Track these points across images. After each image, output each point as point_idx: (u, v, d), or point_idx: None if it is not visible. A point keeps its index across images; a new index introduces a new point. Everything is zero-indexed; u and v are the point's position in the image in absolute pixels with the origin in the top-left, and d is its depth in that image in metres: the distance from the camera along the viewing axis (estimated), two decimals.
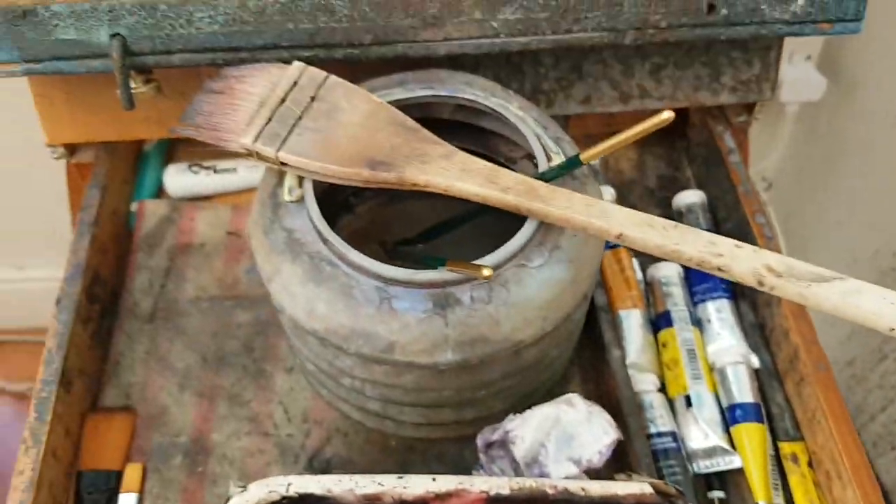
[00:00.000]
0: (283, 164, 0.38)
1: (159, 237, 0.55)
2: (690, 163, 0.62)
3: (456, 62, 0.47)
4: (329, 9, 0.42)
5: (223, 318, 0.52)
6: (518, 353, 0.39)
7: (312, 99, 0.38)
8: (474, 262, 0.35)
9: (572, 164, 0.38)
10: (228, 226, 0.57)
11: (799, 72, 1.00)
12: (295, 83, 0.38)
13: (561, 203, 0.36)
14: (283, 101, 0.38)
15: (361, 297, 0.37)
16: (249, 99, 0.38)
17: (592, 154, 0.37)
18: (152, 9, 0.41)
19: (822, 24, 0.47)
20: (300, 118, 0.38)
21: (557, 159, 0.41)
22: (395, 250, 0.49)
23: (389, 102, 0.41)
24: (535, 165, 0.41)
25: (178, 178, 0.57)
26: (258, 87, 0.38)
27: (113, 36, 0.42)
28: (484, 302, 0.37)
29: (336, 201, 0.49)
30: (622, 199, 0.60)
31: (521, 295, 0.38)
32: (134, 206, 0.57)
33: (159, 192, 0.58)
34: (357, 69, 0.45)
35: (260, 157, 0.37)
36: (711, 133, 0.58)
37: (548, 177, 0.39)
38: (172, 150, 0.60)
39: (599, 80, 0.52)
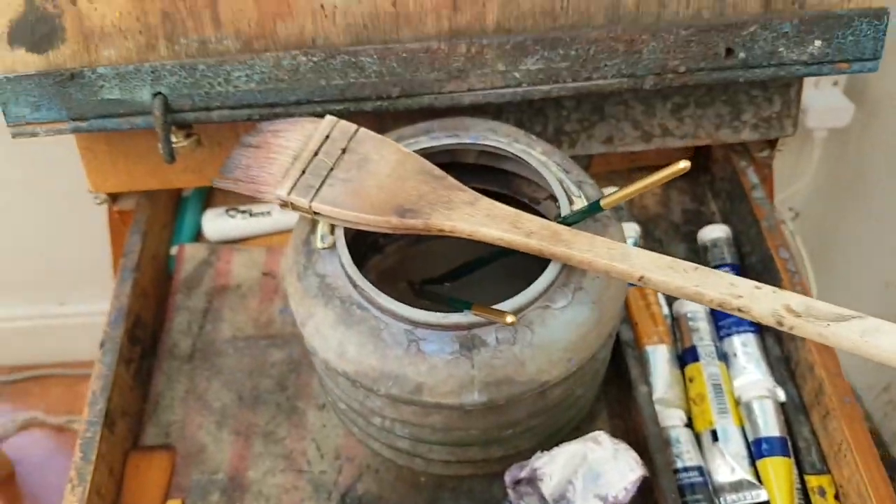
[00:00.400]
0: (316, 213, 0.39)
1: (198, 279, 0.57)
2: (715, 197, 0.63)
3: (480, 109, 0.48)
4: (359, 66, 0.44)
5: (258, 356, 0.54)
6: (543, 393, 0.40)
7: (343, 151, 0.40)
8: (498, 308, 0.36)
9: (593, 209, 0.39)
10: (263, 267, 0.59)
11: (826, 98, 1.00)
12: (327, 136, 0.40)
13: (583, 247, 0.37)
14: (315, 153, 0.40)
15: (390, 339, 0.39)
16: (284, 152, 0.40)
17: (612, 200, 0.38)
18: (192, 69, 0.44)
19: (839, 63, 0.48)
20: (332, 169, 0.39)
21: (579, 202, 0.43)
22: (422, 289, 0.50)
23: (416, 150, 0.43)
24: (558, 207, 0.42)
25: (216, 223, 0.59)
26: (293, 140, 0.40)
27: (155, 95, 0.44)
28: (509, 343, 0.38)
29: (366, 242, 0.51)
30: (647, 234, 0.61)
31: (546, 336, 0.39)
32: (174, 250, 0.59)
33: (198, 235, 0.61)
34: (385, 119, 0.47)
35: (295, 207, 0.39)
36: (735, 168, 0.58)
37: (570, 221, 0.40)
38: (210, 195, 0.62)
39: (621, 121, 0.54)
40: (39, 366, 1.33)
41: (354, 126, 0.41)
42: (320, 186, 0.39)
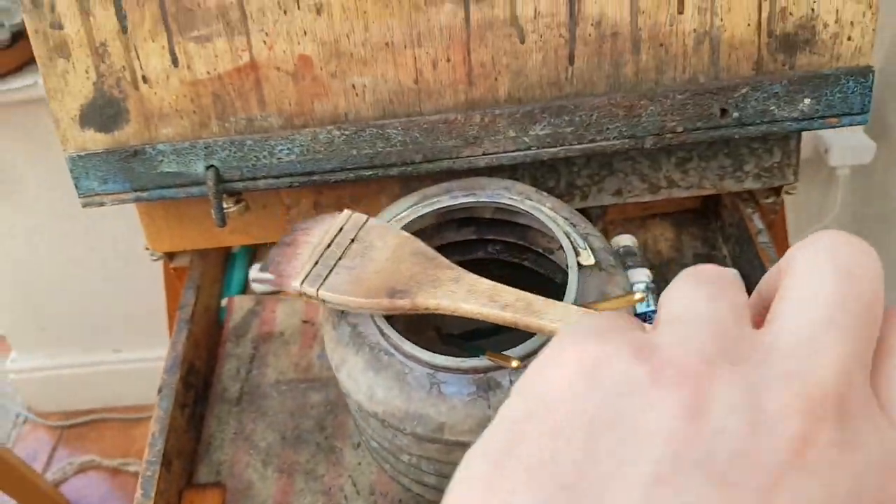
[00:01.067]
0: (322, 300, 0.44)
1: (245, 328, 0.63)
2: (725, 242, 0.66)
3: (495, 170, 0.53)
4: (386, 136, 0.49)
5: (299, 399, 0.59)
6: None
7: (352, 240, 0.44)
8: (507, 354, 0.40)
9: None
10: (303, 315, 0.64)
11: (847, 137, 1.03)
12: (341, 228, 0.45)
13: (555, 316, 0.38)
14: (329, 245, 0.44)
15: (414, 382, 0.43)
16: (307, 247, 0.45)
17: (604, 306, 0.42)
18: (241, 144, 0.50)
19: (829, 119, 0.51)
20: (340, 259, 0.44)
21: (585, 254, 0.47)
22: (447, 337, 0.54)
23: (437, 209, 0.48)
24: (577, 254, 0.46)
25: (262, 276, 0.65)
26: (314, 236, 0.45)
27: (208, 168, 0.50)
28: None
29: None
30: (661, 278, 0.64)
31: None
32: (224, 302, 0.65)
33: (245, 288, 0.66)
34: (410, 181, 0.52)
35: (306, 296, 0.44)
36: (741, 215, 0.62)
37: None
38: (256, 251, 0.68)
39: (629, 175, 0.58)
40: (95, 410, 1.39)
41: (365, 216, 0.45)
42: (327, 275, 0.43)
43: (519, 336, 0.42)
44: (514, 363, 0.38)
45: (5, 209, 1.08)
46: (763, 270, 0.58)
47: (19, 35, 0.89)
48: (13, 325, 1.27)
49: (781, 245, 0.73)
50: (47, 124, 0.58)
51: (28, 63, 0.91)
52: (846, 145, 1.03)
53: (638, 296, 0.39)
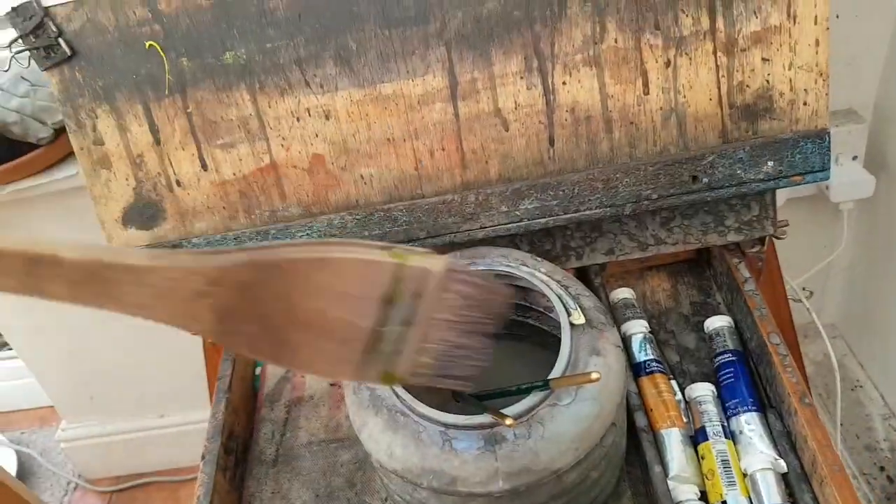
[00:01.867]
0: None
1: (278, 394, 0.69)
2: (719, 289, 0.71)
3: (494, 239, 0.59)
4: (392, 218, 0.55)
5: (329, 458, 0.64)
6: (559, 478, 0.49)
7: None
8: (503, 412, 0.46)
9: (545, 386, 0.48)
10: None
11: (847, 172, 1.07)
12: None
13: None
14: None
15: (428, 440, 0.48)
16: None
17: (560, 383, 0.47)
18: (265, 233, 0.56)
19: (794, 177, 0.56)
20: None
21: (576, 314, 0.52)
22: (458, 395, 0.59)
23: None
24: (569, 314, 0.51)
25: None
26: None
27: None
28: (525, 438, 0.47)
29: None
30: (661, 326, 0.69)
31: (555, 430, 0.47)
32: (258, 371, 0.71)
33: None
34: None
35: None
36: (729, 265, 0.66)
37: (524, 391, 0.48)
38: None
39: (618, 235, 0.63)
40: (143, 474, 1.44)
41: None
42: None
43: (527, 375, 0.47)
44: (509, 421, 0.43)
45: None
46: (751, 316, 0.63)
47: (61, 130, 0.97)
48: (62, 395, 1.33)
49: (777, 287, 0.77)
50: (92, 209, 0.63)
51: (70, 154, 0.99)
52: (846, 181, 1.06)
53: (594, 375, 0.43)
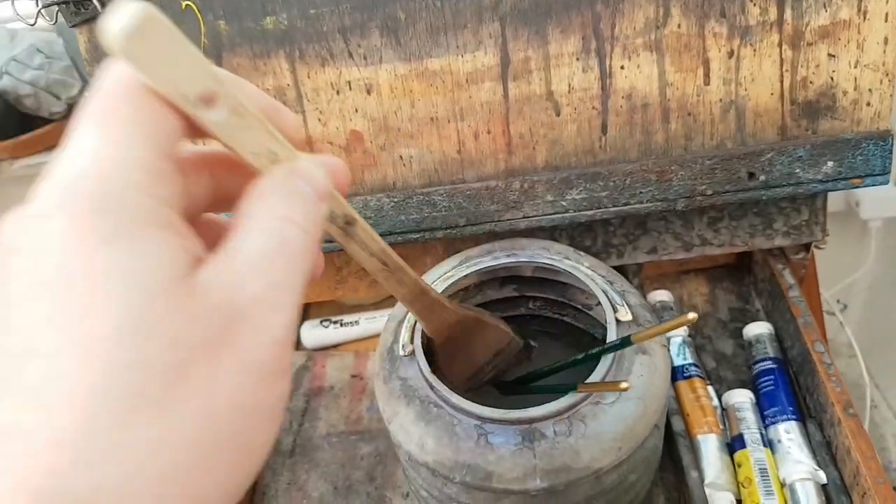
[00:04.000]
0: None
1: (297, 383, 0.66)
2: (758, 296, 0.68)
3: (534, 231, 0.57)
4: (431, 203, 0.53)
5: (349, 450, 0.62)
6: (599, 478, 0.46)
7: None
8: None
9: (625, 342, 0.46)
10: (352, 370, 0.67)
11: (878, 189, 1.04)
12: None
13: None
14: None
15: (463, 433, 0.46)
16: None
17: (642, 336, 0.45)
18: None
19: (853, 179, 0.54)
20: None
21: (622, 311, 0.49)
22: (501, 385, 0.57)
23: (479, 270, 0.51)
24: (615, 311, 0.49)
25: (312, 332, 0.69)
26: None
27: None
28: (565, 435, 0.45)
29: None
30: (697, 332, 0.67)
31: (597, 429, 0.45)
32: None
33: (297, 344, 0.70)
34: (454, 243, 0.56)
35: None
36: (773, 270, 0.64)
37: (605, 352, 0.46)
38: (306, 309, 0.72)
39: (663, 234, 0.61)
40: None
41: None
42: None
43: (571, 373, 0.45)
44: (624, 385, 0.41)
45: None
46: (795, 324, 0.60)
47: (75, 105, 0.95)
48: None
49: (814, 297, 0.75)
50: None
51: None
52: (877, 197, 1.04)
53: (623, 385, 0.41)
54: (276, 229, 0.21)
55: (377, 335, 0.55)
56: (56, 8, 0.53)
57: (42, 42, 0.93)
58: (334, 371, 0.67)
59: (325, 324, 0.69)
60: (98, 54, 0.54)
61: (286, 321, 0.20)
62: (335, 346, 0.69)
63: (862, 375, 0.92)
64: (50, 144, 0.95)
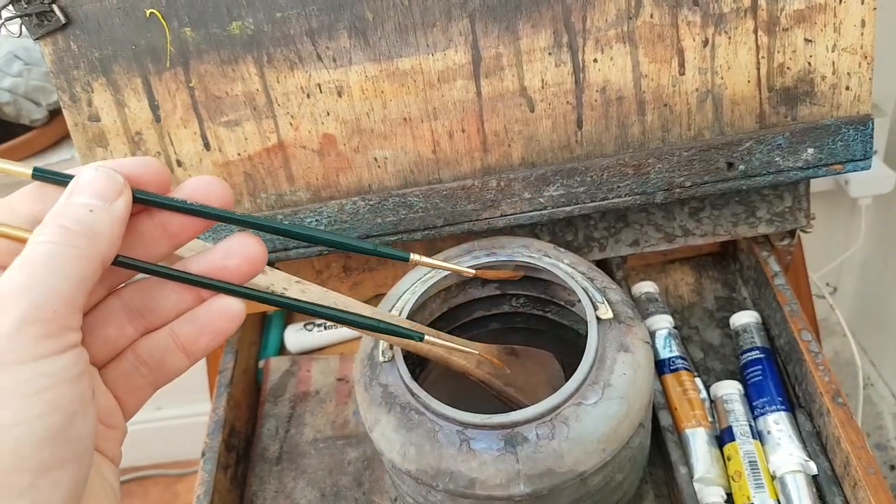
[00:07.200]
0: None
1: (282, 388, 0.66)
2: (745, 284, 0.68)
3: (514, 229, 0.56)
4: (408, 204, 0.52)
5: (336, 455, 0.61)
6: (584, 481, 0.46)
7: None
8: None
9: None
10: (337, 373, 0.67)
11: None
12: None
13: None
14: None
15: (445, 439, 0.45)
16: None
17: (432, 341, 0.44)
18: (272, 218, 0.53)
19: (833, 165, 0.53)
20: None
21: (603, 308, 0.49)
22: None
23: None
24: (595, 308, 0.48)
25: (296, 336, 0.68)
26: None
27: None
28: (548, 439, 0.44)
29: None
30: (684, 322, 0.66)
31: (580, 430, 0.44)
32: (261, 364, 0.68)
33: (281, 349, 0.69)
34: (434, 243, 0.55)
35: None
36: (758, 258, 0.63)
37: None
38: (290, 313, 0.71)
39: (644, 226, 0.60)
40: (139, 468, 1.42)
41: None
42: None
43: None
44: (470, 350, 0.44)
45: None
46: (781, 312, 0.60)
47: (56, 112, 0.94)
48: None
49: (802, 282, 0.74)
50: None
51: (65, 138, 0.96)
52: (865, 176, 1.04)
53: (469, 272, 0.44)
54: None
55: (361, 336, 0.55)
56: (19, 21, 0.52)
57: (20, 48, 0.91)
58: (319, 375, 0.66)
59: (309, 327, 0.68)
60: (64, 66, 0.53)
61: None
62: (320, 350, 0.69)
63: (854, 354, 0.92)
64: (31, 152, 0.94)
